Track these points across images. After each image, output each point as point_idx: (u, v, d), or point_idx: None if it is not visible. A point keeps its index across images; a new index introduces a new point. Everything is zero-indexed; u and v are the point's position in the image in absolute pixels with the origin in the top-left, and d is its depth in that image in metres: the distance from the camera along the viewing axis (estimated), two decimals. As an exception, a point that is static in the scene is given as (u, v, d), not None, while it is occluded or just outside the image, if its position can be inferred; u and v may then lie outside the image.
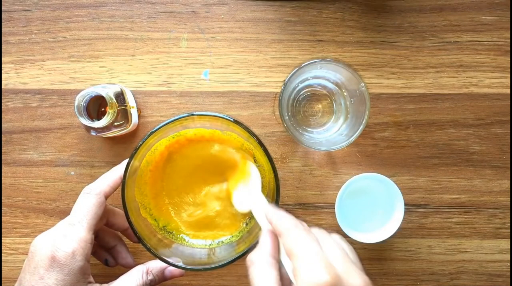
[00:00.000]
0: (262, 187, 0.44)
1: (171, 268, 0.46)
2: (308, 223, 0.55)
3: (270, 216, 0.36)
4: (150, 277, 0.44)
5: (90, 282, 0.42)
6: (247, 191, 0.44)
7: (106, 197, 0.44)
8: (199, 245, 0.47)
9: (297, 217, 0.55)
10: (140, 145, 0.41)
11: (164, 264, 0.44)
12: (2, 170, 0.55)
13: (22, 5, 0.55)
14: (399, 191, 0.52)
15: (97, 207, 0.43)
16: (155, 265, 0.45)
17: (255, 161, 0.47)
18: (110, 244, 0.48)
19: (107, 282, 0.43)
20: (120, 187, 0.42)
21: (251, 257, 0.35)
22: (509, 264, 0.56)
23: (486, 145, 0.55)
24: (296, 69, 0.47)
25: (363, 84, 0.47)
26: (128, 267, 0.46)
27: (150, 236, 0.44)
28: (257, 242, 0.38)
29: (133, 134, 0.55)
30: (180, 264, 0.42)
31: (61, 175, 0.55)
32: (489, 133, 0.55)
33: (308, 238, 0.33)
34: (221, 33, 0.55)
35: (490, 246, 0.56)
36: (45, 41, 0.55)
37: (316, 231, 0.35)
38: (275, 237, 0.36)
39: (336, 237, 0.36)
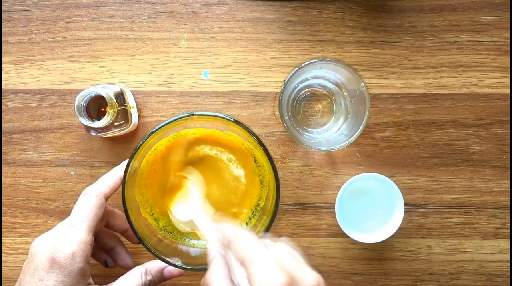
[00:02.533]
0: (203, 198, 0.45)
1: (170, 268, 0.46)
2: (308, 223, 0.55)
3: (217, 227, 0.37)
4: (149, 278, 0.44)
5: (89, 284, 0.42)
6: (187, 203, 0.45)
7: (106, 198, 0.44)
8: (199, 245, 0.47)
9: (297, 217, 0.55)
10: (140, 145, 0.41)
11: (162, 264, 0.44)
12: (2, 170, 0.55)
13: (22, 5, 0.55)
14: (399, 191, 0.52)
15: (97, 208, 0.43)
16: (154, 265, 0.45)
17: (255, 161, 0.47)
18: (110, 246, 0.48)
19: (106, 283, 0.43)
20: (120, 187, 0.42)
21: (207, 281, 0.35)
22: (509, 264, 0.56)
23: (486, 145, 0.55)
24: (296, 69, 0.47)
25: (363, 84, 0.47)
26: (127, 268, 0.46)
27: (150, 236, 0.44)
28: (205, 268, 0.38)
29: (133, 134, 0.55)
30: (180, 263, 0.42)
31: (61, 175, 0.55)
32: (489, 133, 0.55)
33: (257, 243, 0.34)
34: (221, 33, 0.55)
35: (490, 246, 0.56)
36: (45, 41, 0.55)
37: (262, 239, 0.36)
38: (224, 258, 0.36)
39: (281, 243, 0.37)
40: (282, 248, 0.35)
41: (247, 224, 0.47)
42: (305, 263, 0.34)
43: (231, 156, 0.47)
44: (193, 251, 0.46)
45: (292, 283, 0.31)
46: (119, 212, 0.48)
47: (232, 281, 0.35)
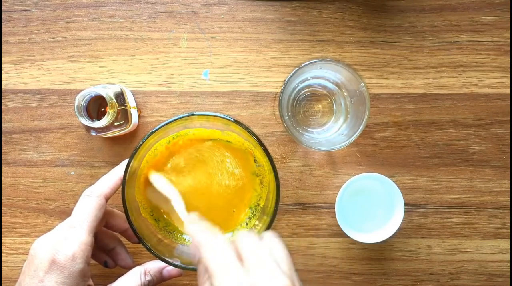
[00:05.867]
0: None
1: (169, 268, 0.46)
2: (308, 223, 0.55)
3: (189, 227, 0.36)
4: (148, 278, 0.44)
5: (89, 285, 0.42)
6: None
7: (107, 199, 0.44)
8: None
9: (297, 217, 0.55)
10: (140, 145, 0.41)
11: (162, 265, 0.44)
12: (2, 170, 0.55)
13: (22, 5, 0.55)
14: (399, 191, 0.52)
15: (97, 209, 0.42)
16: (153, 265, 0.45)
17: (255, 161, 0.47)
18: (109, 246, 0.48)
19: (105, 284, 0.43)
20: (120, 187, 0.42)
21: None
22: (509, 264, 0.56)
23: (486, 145, 0.55)
24: (296, 69, 0.47)
25: (363, 84, 0.47)
26: (127, 268, 0.46)
27: (150, 236, 0.44)
28: None
29: (133, 134, 0.55)
30: (179, 263, 0.42)
31: (61, 175, 0.55)
32: (489, 133, 0.55)
33: (224, 251, 0.31)
34: (221, 33, 0.55)
35: (490, 246, 0.56)
36: (45, 41, 0.55)
37: (243, 233, 0.34)
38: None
39: (268, 239, 0.34)
40: (260, 247, 0.32)
41: (247, 224, 0.47)
42: (282, 268, 0.31)
43: (228, 154, 0.47)
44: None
45: None
46: (119, 212, 0.48)
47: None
